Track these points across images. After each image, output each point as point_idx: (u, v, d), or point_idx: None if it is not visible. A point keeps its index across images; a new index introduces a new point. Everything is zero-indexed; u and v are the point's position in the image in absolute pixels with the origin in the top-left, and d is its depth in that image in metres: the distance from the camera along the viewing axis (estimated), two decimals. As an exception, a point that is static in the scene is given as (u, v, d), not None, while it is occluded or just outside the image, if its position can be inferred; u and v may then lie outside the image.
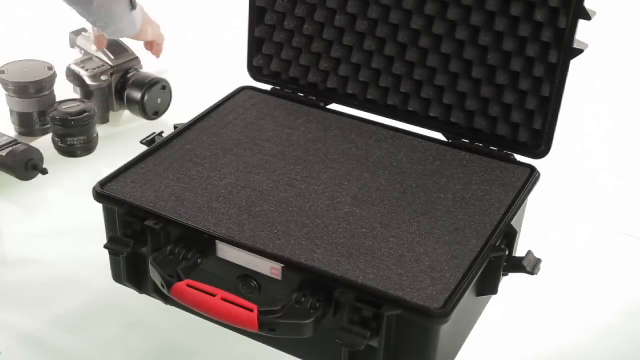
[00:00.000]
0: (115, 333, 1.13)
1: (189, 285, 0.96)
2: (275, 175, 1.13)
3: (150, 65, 1.60)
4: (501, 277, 1.04)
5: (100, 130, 1.50)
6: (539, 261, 1.05)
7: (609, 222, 1.36)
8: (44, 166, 1.38)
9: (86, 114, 1.43)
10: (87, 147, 1.46)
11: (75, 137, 1.44)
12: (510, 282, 1.09)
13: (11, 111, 1.51)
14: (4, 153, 1.36)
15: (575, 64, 1.11)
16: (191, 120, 1.25)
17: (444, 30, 1.18)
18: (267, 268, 0.99)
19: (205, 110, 1.27)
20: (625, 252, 1.31)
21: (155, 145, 1.18)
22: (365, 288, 0.94)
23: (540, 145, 1.16)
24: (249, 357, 1.08)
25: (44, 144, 1.46)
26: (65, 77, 1.55)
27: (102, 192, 1.08)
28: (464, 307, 0.96)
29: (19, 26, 1.91)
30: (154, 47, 1.54)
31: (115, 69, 1.53)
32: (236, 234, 1.02)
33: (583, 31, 1.10)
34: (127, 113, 1.57)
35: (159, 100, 1.54)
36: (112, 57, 1.53)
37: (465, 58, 1.18)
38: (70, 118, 1.42)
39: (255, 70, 1.35)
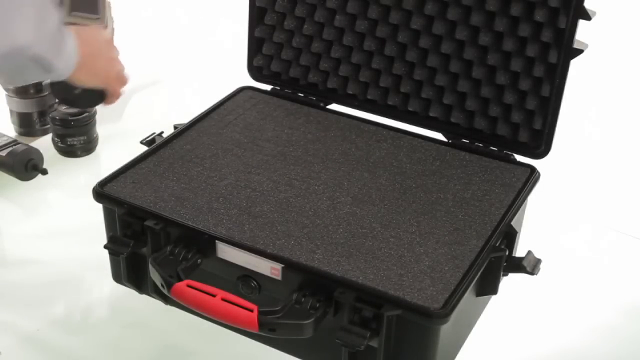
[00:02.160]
0: (115, 333, 1.13)
1: (188, 286, 0.96)
2: (275, 176, 1.13)
3: (148, 67, 1.60)
4: (501, 277, 1.04)
5: (100, 130, 1.50)
6: (538, 261, 1.05)
7: (609, 222, 1.36)
8: (44, 166, 1.38)
9: (86, 114, 1.43)
10: (87, 147, 1.46)
11: (75, 137, 1.44)
12: (510, 282, 1.09)
13: (11, 111, 1.51)
14: (4, 153, 1.35)
15: (575, 64, 1.11)
16: (191, 120, 1.25)
17: (444, 30, 1.18)
18: (266, 268, 0.99)
19: (205, 110, 1.27)
20: (625, 252, 1.31)
21: (155, 145, 1.18)
22: (365, 288, 0.94)
23: (540, 145, 1.16)
24: (249, 357, 1.08)
25: (44, 144, 1.46)
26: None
27: (102, 192, 1.08)
28: (464, 307, 0.96)
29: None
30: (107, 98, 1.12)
31: None
32: (236, 234, 1.02)
33: (583, 31, 1.10)
34: None
35: None
36: None
37: (465, 58, 1.18)
38: (70, 118, 1.42)
39: (255, 70, 1.35)
